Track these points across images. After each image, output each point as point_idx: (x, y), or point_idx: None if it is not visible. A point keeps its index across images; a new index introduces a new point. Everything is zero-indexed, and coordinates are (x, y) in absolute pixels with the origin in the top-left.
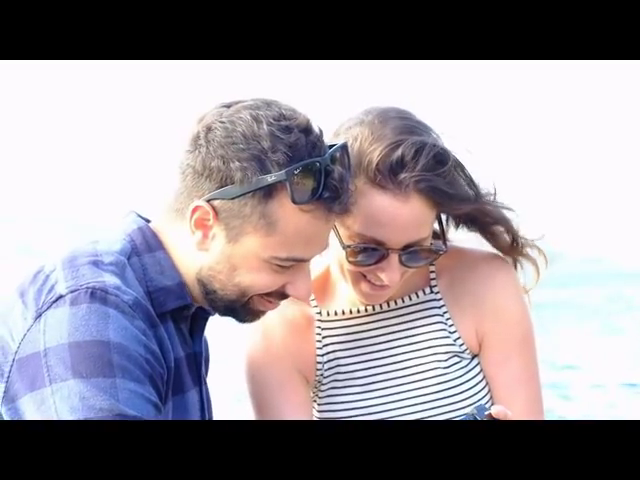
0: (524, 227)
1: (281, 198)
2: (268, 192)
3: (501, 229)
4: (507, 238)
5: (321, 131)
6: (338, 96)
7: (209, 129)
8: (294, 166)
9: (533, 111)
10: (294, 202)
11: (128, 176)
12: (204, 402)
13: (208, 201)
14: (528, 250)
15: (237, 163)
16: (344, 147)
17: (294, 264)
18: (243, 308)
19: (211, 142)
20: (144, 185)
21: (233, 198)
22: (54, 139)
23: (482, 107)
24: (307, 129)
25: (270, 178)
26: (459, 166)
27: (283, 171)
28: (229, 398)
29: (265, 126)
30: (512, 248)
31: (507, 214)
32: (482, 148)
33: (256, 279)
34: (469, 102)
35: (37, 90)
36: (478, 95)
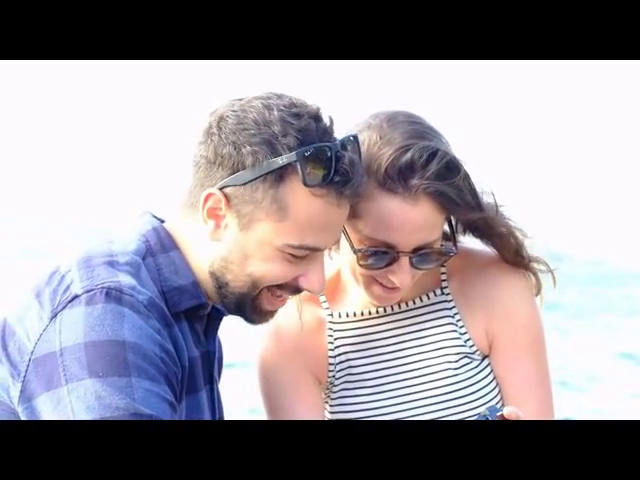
0: (530, 241)
1: (292, 181)
2: (279, 176)
3: (504, 242)
4: (510, 252)
5: (332, 120)
6: (340, 96)
7: (221, 118)
8: (305, 148)
9: (535, 114)
10: (305, 184)
11: (131, 178)
12: (215, 401)
13: (220, 189)
14: (535, 265)
15: (248, 147)
16: (355, 137)
17: (307, 254)
18: (252, 305)
19: (223, 130)
20: (148, 187)
21: (245, 184)
22: (55, 140)
23: (485, 108)
24: (317, 116)
25: (281, 160)
26: (467, 177)
27: (293, 153)
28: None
29: (276, 112)
30: (516, 261)
31: (513, 228)
32: (486, 151)
33: (269, 269)
34: (471, 103)
35: (38, 91)
36: (481, 96)
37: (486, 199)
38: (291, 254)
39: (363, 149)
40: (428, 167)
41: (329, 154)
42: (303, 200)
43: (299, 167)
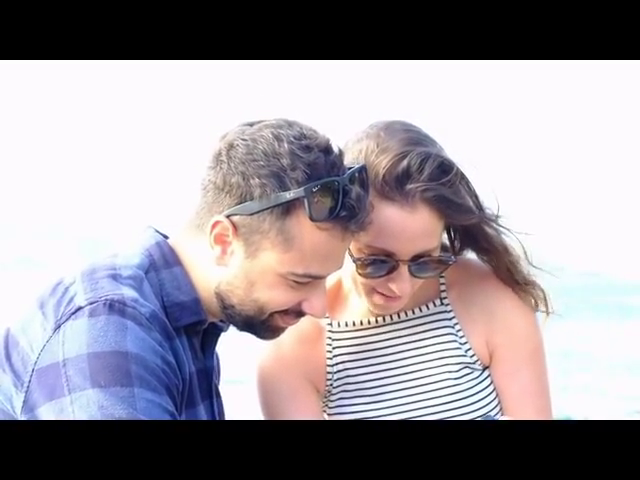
0: (529, 258)
1: (299, 215)
2: (286, 209)
3: (499, 259)
4: (503, 270)
5: (341, 151)
6: (339, 97)
7: (231, 146)
8: (313, 184)
9: (530, 124)
10: (311, 219)
11: (129, 189)
12: (215, 415)
13: (228, 217)
14: (530, 290)
15: (257, 180)
16: (363, 168)
17: (310, 281)
18: (262, 325)
19: (232, 158)
20: (146, 198)
21: (252, 214)
22: (54, 150)
23: (480, 117)
24: (327, 149)
25: (289, 195)
26: (463, 179)
27: (302, 188)
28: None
29: (286, 144)
30: (511, 281)
31: (509, 247)
32: (481, 162)
33: (273, 295)
34: (468, 110)
35: (38, 99)
36: (478, 101)
37: (486, 205)
38: (294, 281)
39: (361, 158)
40: (422, 170)
41: (336, 189)
42: (308, 233)
43: (306, 202)
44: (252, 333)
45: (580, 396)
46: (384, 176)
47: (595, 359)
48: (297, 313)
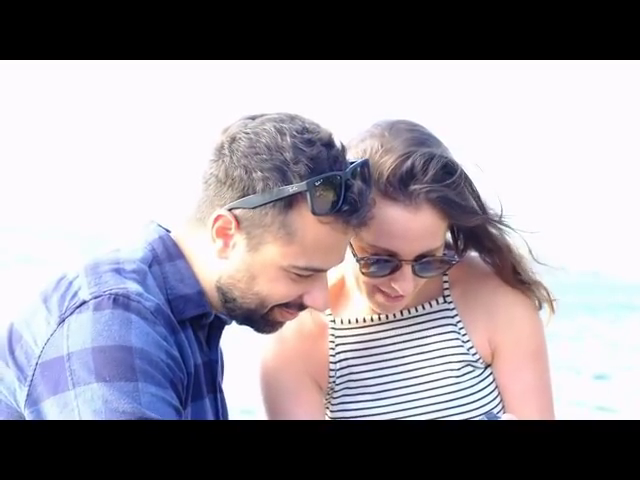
0: (534, 256)
1: (301, 209)
2: (288, 202)
3: (502, 259)
4: (508, 270)
5: (343, 146)
6: (339, 97)
7: (233, 139)
8: (315, 178)
9: (529, 125)
10: (314, 213)
11: (127, 188)
12: (219, 409)
13: (230, 210)
14: (534, 289)
15: (259, 173)
16: (365, 163)
17: (312, 274)
18: (262, 319)
19: (235, 152)
20: (144, 197)
21: (254, 207)
22: (55, 149)
23: (484, 119)
24: (329, 143)
25: (291, 189)
26: (467, 180)
27: (304, 182)
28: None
29: (288, 138)
30: (515, 281)
31: (513, 247)
32: (485, 163)
33: (274, 288)
34: (473, 110)
35: (37, 100)
36: (481, 103)
37: (490, 206)
38: (296, 274)
39: (365, 157)
40: (426, 172)
41: (338, 183)
42: (310, 226)
43: (308, 196)
44: (251, 327)
45: (578, 396)
46: (388, 176)
47: (593, 359)
48: (298, 306)
